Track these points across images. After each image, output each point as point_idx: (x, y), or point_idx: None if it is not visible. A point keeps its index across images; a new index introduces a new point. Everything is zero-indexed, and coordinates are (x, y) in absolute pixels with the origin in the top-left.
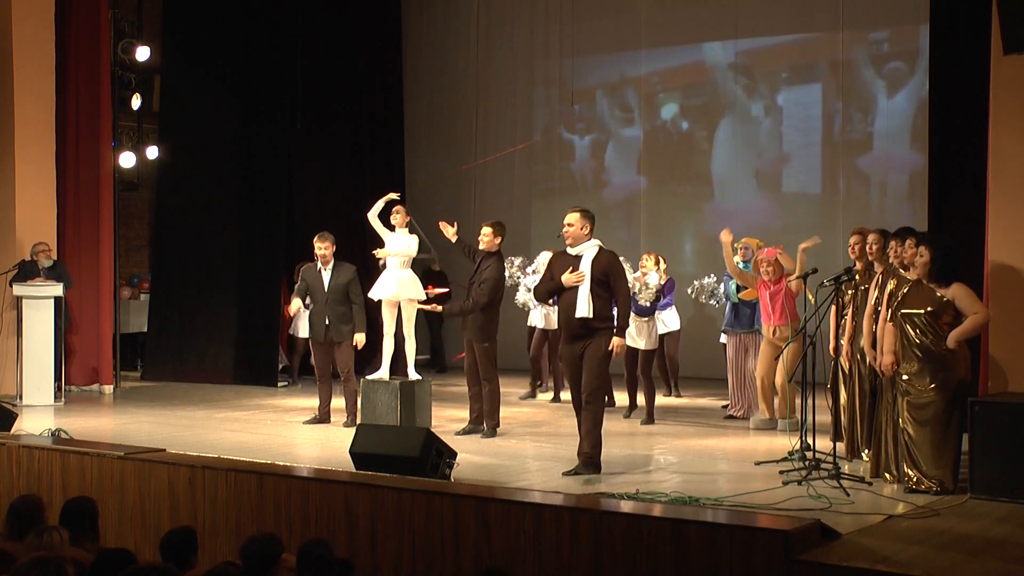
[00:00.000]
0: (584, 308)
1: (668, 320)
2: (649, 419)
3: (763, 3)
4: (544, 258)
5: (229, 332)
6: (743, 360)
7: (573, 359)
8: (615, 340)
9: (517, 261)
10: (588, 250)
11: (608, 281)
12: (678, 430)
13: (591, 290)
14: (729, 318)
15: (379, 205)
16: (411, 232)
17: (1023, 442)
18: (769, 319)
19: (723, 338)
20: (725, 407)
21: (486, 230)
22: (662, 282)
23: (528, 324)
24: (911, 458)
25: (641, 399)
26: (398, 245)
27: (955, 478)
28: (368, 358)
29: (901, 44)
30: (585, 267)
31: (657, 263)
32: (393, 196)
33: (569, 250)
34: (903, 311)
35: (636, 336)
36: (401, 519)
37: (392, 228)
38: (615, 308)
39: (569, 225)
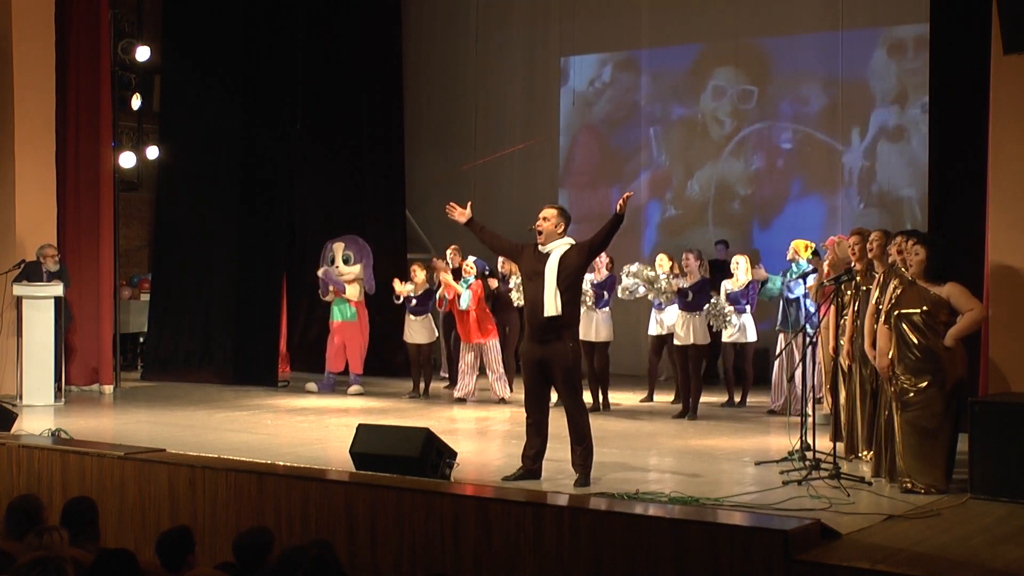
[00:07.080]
0: (552, 306)
1: (748, 328)
2: (693, 414)
3: (762, 3)
4: None
5: (229, 332)
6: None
7: (533, 362)
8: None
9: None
10: (557, 249)
11: (580, 273)
12: (679, 430)
13: (557, 288)
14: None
15: None
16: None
17: (1023, 442)
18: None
19: (780, 338)
20: (723, 405)
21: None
22: (733, 289)
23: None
24: (906, 458)
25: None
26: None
27: (948, 479)
28: None
29: (901, 43)
30: (552, 266)
31: (687, 263)
32: None
33: (540, 247)
34: (898, 312)
35: (685, 331)
36: (401, 519)
37: None
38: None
39: (545, 219)
